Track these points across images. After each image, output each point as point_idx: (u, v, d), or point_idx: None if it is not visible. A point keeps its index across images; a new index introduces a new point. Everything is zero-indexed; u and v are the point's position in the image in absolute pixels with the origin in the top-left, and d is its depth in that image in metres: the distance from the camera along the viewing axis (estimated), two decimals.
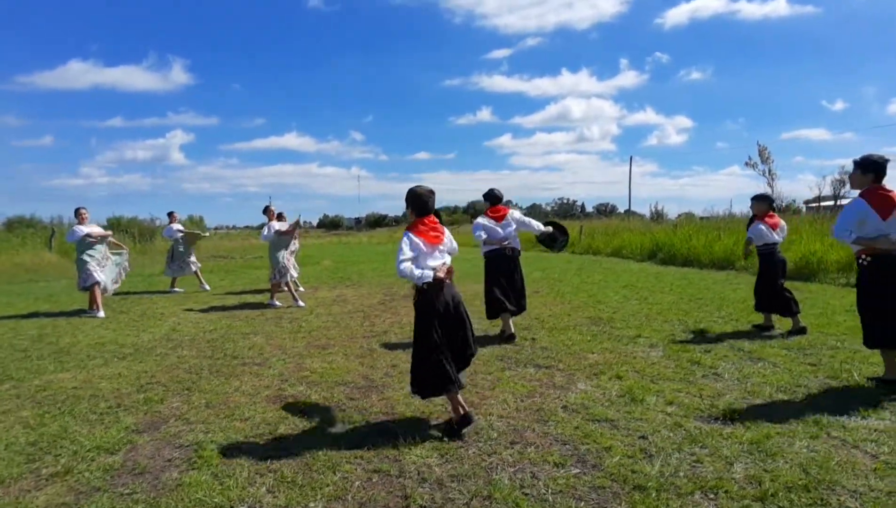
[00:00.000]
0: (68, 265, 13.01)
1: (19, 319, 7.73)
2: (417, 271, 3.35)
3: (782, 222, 6.26)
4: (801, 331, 5.77)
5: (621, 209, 50.05)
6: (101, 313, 7.78)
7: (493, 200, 5.99)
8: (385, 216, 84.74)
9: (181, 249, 10.66)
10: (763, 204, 6.19)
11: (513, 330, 5.90)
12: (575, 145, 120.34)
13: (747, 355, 5.05)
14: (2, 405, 4.00)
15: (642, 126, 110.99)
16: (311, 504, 2.57)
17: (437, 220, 3.60)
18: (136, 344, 6.03)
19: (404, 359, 5.15)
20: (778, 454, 2.96)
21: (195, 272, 10.98)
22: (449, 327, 3.47)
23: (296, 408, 3.87)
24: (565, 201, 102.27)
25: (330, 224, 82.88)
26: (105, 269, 8.30)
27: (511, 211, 6.03)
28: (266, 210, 8.90)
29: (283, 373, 4.77)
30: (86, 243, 8.11)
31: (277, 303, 8.53)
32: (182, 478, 2.82)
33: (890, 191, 3.99)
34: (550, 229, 6.39)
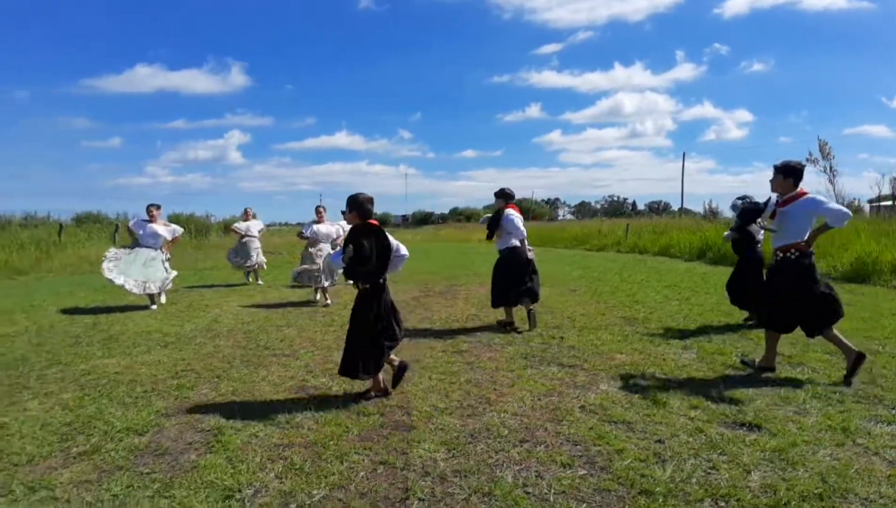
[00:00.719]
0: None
1: (78, 308, 8.27)
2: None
3: None
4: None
5: (675, 207, 48.47)
6: (154, 307, 8.02)
7: (507, 197, 6.31)
8: (431, 214, 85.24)
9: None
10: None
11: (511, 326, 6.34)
12: (627, 141, 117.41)
13: (786, 359, 4.78)
14: (47, 388, 4.29)
15: (699, 120, 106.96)
16: (315, 492, 2.63)
17: (376, 222, 4.03)
18: (178, 334, 6.34)
19: (428, 354, 5.19)
20: (799, 462, 2.80)
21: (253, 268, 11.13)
22: (381, 316, 3.89)
23: (315, 399, 3.96)
24: (615, 199, 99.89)
25: (377, 221, 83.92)
26: (131, 269, 7.85)
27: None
28: (316, 210, 8.77)
29: (310, 365, 4.89)
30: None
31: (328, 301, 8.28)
32: (199, 460, 2.95)
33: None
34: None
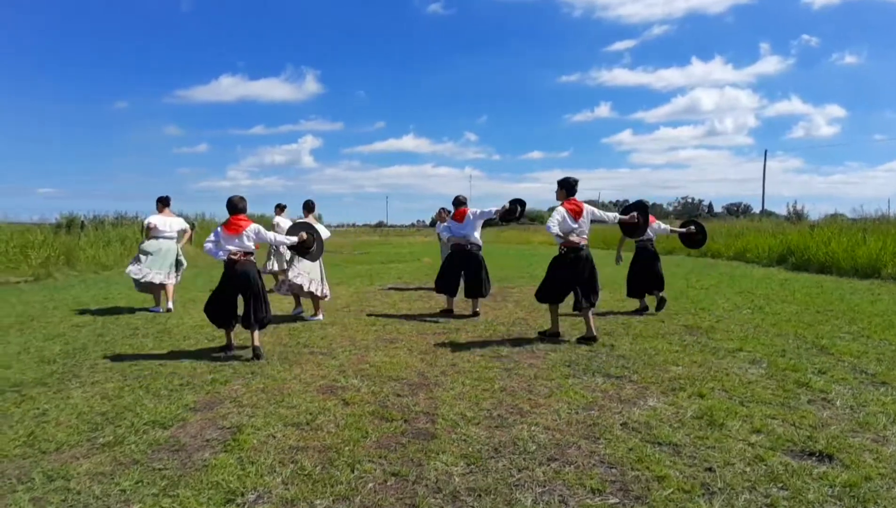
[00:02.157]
0: (201, 256, 14.48)
1: (145, 301, 8.70)
2: (217, 251, 5.12)
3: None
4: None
5: (756, 210, 45.27)
6: (159, 309, 7.75)
7: (457, 204, 7.50)
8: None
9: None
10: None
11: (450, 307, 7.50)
12: (704, 140, 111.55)
13: (870, 378, 4.16)
14: (94, 377, 4.45)
15: (786, 117, 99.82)
16: (318, 501, 2.48)
17: (242, 218, 5.12)
18: None
19: (466, 358, 4.97)
20: (871, 500, 2.36)
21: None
22: (234, 290, 5.14)
23: (342, 400, 3.84)
24: (689, 201, 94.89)
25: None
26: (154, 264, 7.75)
27: (470, 210, 7.35)
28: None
29: (344, 364, 4.80)
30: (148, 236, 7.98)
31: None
32: (210, 459, 2.89)
33: (578, 202, 5.54)
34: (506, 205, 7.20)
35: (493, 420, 3.43)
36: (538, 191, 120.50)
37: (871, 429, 3.20)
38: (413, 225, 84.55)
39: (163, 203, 8.16)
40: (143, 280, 7.68)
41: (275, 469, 2.79)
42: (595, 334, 5.54)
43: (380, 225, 75.77)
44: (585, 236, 5.61)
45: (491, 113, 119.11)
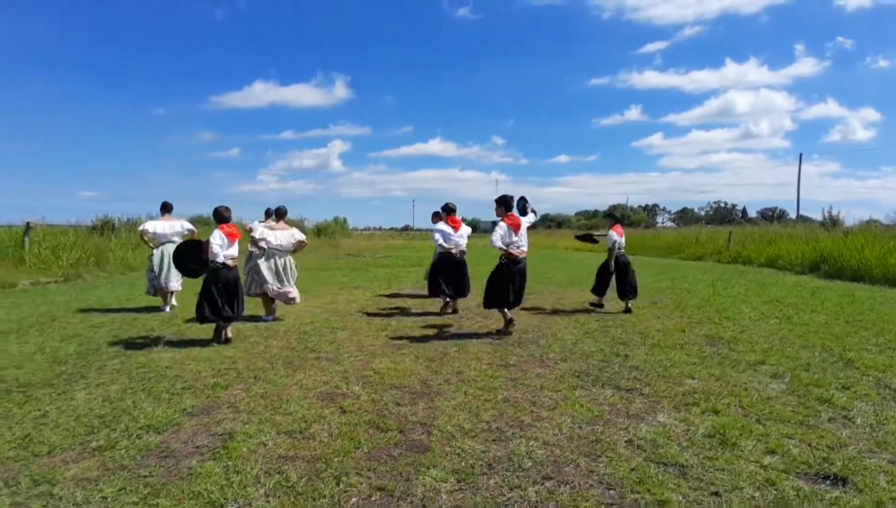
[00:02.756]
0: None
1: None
2: (220, 254, 5.75)
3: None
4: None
5: (792, 215, 43.80)
6: (166, 309, 7.93)
7: (449, 211, 7.60)
8: None
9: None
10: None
11: (451, 310, 7.82)
12: (738, 143, 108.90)
13: (893, 394, 3.94)
14: (101, 378, 4.48)
15: (822, 120, 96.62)
16: None
17: (234, 226, 5.93)
18: (239, 331, 6.47)
19: (473, 366, 4.84)
20: None
21: None
22: (225, 288, 5.79)
23: (340, 408, 3.76)
24: (722, 206, 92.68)
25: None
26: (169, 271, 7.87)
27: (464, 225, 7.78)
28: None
29: (348, 370, 4.73)
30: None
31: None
32: (197, 467, 2.84)
33: (515, 217, 6.13)
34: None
35: (491, 433, 3.30)
36: (565, 195, 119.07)
37: (888, 449, 2.98)
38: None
39: (165, 209, 8.28)
40: (164, 288, 7.92)
41: (259, 479, 2.72)
42: (511, 328, 6.30)
43: (406, 229, 76.01)
44: (525, 248, 6.21)
45: (518, 117, 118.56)
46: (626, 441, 3.18)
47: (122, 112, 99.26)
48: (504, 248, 6.02)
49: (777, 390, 4.18)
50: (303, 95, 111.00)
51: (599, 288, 8.20)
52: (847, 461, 2.83)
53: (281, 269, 7.28)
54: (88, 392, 4.10)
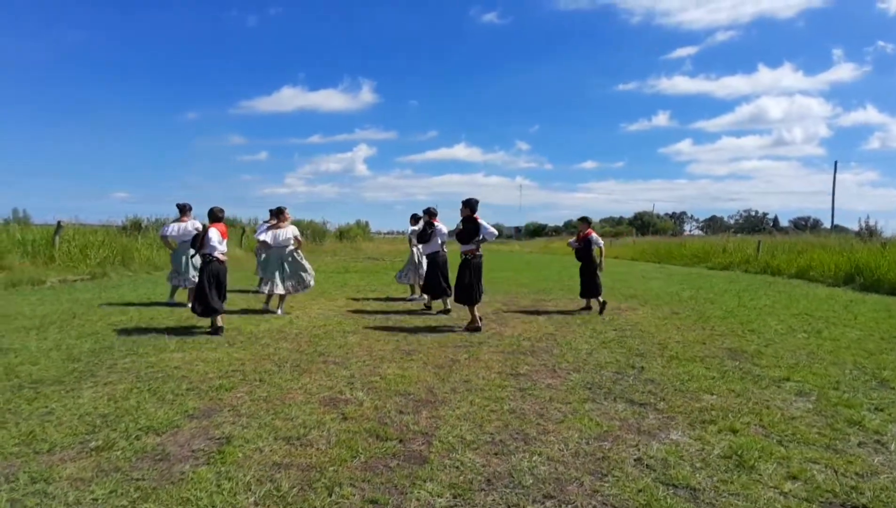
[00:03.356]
0: (252, 259, 14.82)
1: (185, 303, 8.95)
2: (215, 249, 6.41)
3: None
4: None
5: (826, 224, 42.40)
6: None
7: (432, 214, 8.14)
8: (545, 226, 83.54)
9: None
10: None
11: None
12: (770, 150, 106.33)
13: None
14: (110, 376, 4.50)
15: (861, 127, 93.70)
16: None
17: (224, 226, 6.72)
18: (252, 333, 6.50)
19: (481, 374, 4.72)
20: None
21: None
22: (216, 279, 6.42)
23: (341, 414, 3.69)
24: (752, 214, 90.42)
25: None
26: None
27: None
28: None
29: (354, 375, 4.66)
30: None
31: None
32: (189, 472, 2.79)
33: (478, 219, 6.79)
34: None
35: (494, 446, 3.18)
36: (591, 201, 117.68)
37: None
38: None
39: (183, 211, 8.58)
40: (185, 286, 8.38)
41: (250, 487, 2.66)
42: (479, 324, 6.82)
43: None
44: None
45: (544, 122, 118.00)
46: (635, 460, 3.02)
47: (156, 116, 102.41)
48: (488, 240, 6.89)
49: (802, 409, 3.96)
50: (330, 99, 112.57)
51: (597, 289, 8.54)
52: (878, 491, 2.63)
53: (287, 264, 7.89)
54: (95, 391, 4.12)
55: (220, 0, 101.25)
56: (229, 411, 3.73)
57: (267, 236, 7.81)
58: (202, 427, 3.42)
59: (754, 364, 5.23)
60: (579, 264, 8.76)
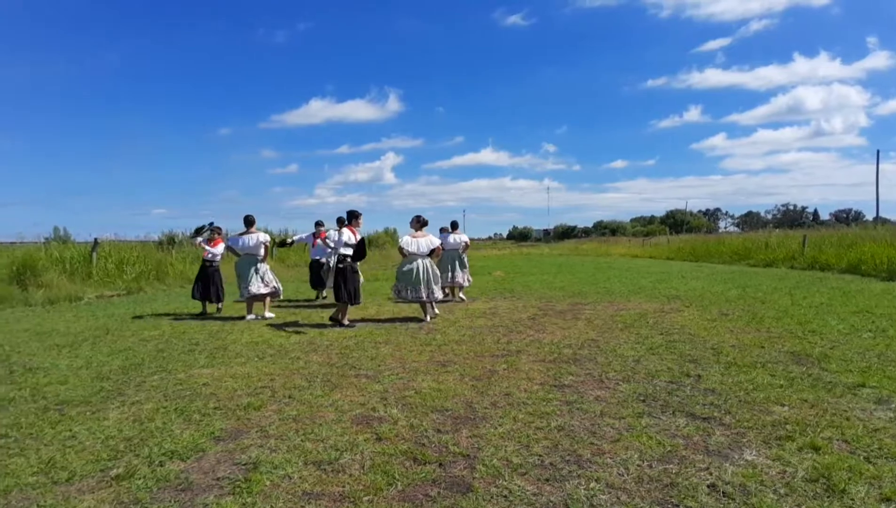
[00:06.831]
0: (276, 269, 14.81)
1: (216, 316, 8.88)
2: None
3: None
4: None
5: (869, 217, 40.52)
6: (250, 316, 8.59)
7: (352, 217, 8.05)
8: (574, 228, 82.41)
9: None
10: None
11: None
12: (808, 142, 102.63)
13: None
14: (138, 395, 4.35)
15: None
16: None
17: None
18: (282, 345, 6.32)
19: (523, 386, 4.41)
20: None
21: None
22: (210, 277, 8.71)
23: (375, 434, 3.42)
24: (790, 208, 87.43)
25: (519, 236, 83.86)
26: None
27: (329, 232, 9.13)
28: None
29: (387, 390, 4.40)
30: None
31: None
32: (213, 505, 2.56)
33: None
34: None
35: (544, 470, 2.87)
36: (620, 201, 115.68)
37: None
38: (490, 238, 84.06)
39: (250, 223, 8.93)
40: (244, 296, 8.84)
41: None
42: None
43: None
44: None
45: (571, 123, 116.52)
46: (708, 486, 2.66)
47: (191, 133, 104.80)
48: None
49: (884, 419, 3.52)
50: (357, 110, 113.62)
51: None
52: None
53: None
54: (122, 412, 3.96)
55: (248, 19, 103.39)
56: (257, 432, 3.51)
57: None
58: (228, 451, 3.20)
59: (822, 369, 4.77)
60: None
